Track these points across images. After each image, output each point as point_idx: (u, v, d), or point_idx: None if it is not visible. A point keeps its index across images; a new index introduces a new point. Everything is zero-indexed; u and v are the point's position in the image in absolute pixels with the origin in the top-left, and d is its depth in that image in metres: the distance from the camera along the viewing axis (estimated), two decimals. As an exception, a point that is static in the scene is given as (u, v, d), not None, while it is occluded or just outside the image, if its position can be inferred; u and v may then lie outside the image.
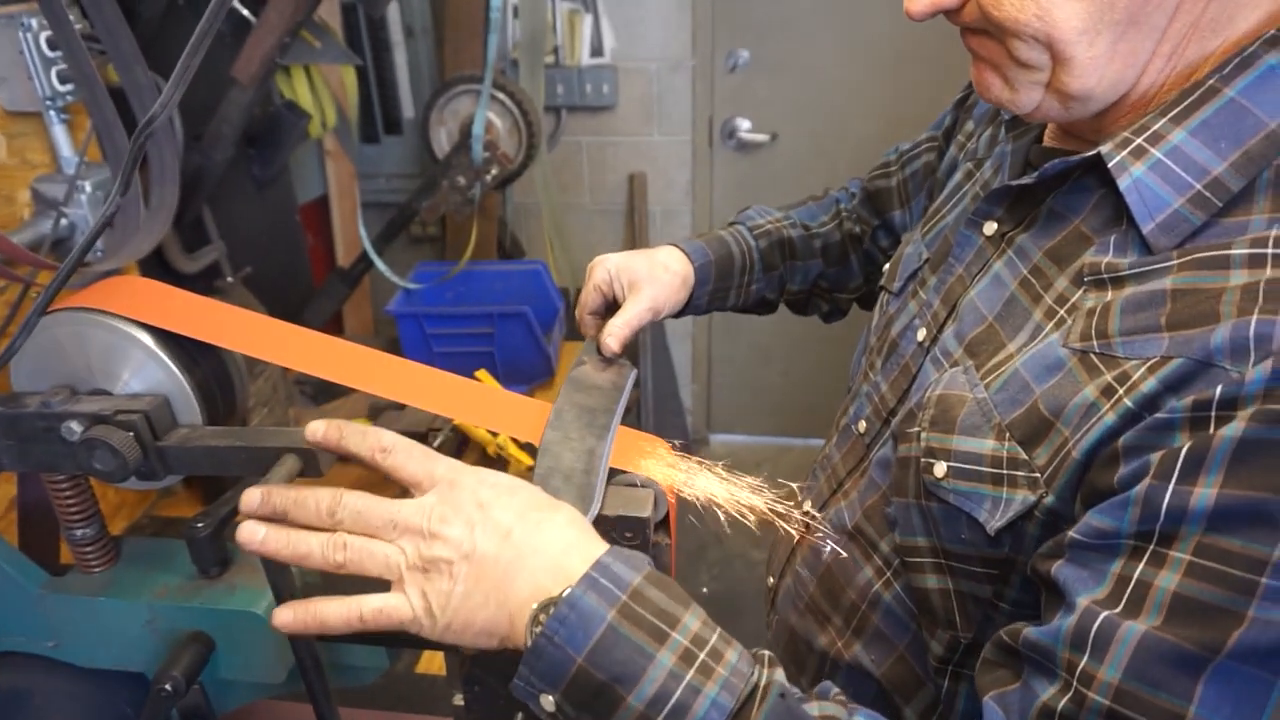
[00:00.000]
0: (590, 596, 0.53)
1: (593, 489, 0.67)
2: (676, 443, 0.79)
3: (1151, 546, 0.52)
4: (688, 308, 1.00)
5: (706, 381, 3.19)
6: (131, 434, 0.68)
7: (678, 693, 0.51)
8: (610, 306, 0.95)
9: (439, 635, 0.56)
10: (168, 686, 0.71)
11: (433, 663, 1.24)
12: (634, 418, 2.87)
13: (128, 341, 0.72)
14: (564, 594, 0.53)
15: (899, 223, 1.08)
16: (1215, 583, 0.49)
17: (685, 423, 3.16)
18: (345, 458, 0.62)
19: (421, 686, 1.20)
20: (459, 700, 0.77)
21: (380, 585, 0.57)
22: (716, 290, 1.03)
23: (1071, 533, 0.56)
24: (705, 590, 2.67)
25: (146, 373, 0.73)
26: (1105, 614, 0.52)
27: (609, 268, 0.94)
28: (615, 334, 0.88)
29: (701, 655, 0.53)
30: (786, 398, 3.16)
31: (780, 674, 0.56)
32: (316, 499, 0.57)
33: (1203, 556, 0.50)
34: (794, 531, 0.74)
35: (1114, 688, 0.51)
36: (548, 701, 0.53)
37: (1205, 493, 0.49)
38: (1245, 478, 0.49)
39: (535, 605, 0.54)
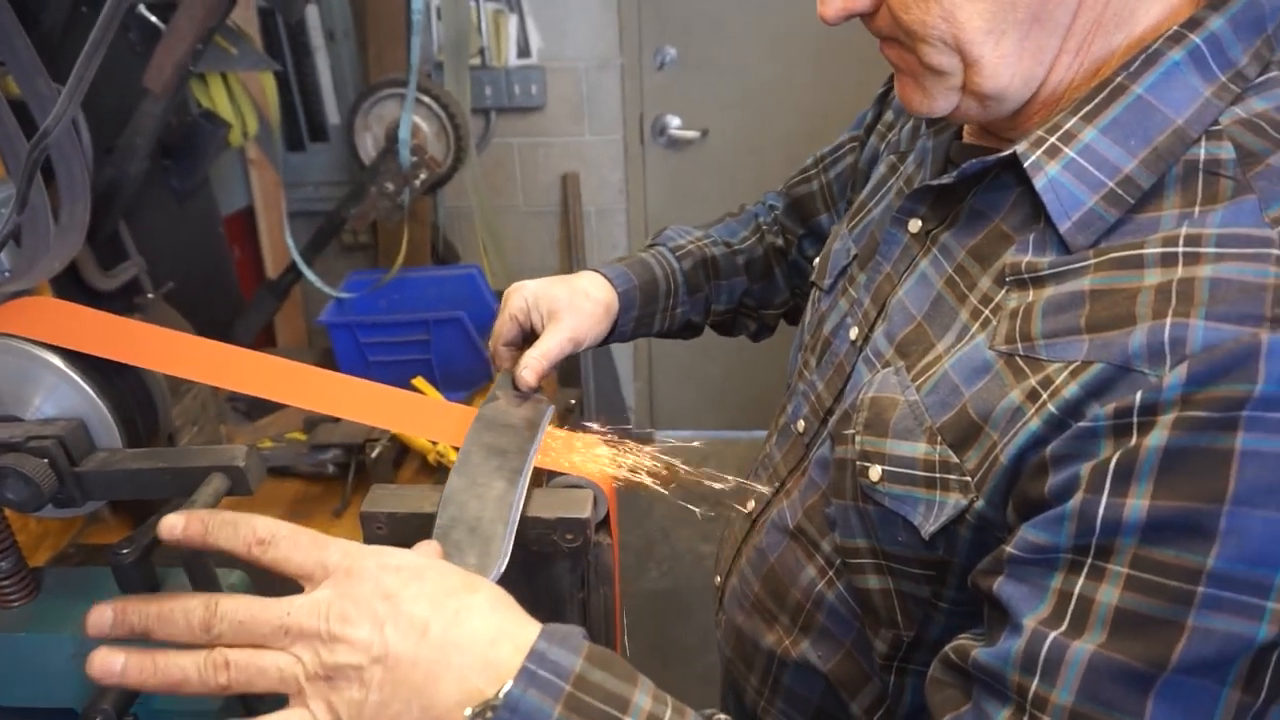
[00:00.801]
0: (531, 694, 0.48)
1: (500, 540, 0.61)
2: (622, 430, 0.78)
3: (1089, 560, 0.52)
4: (611, 336, 0.96)
5: (648, 378, 3.19)
6: (46, 460, 0.65)
7: None
8: (527, 337, 0.90)
9: None
10: (98, 720, 0.68)
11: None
12: (576, 418, 2.86)
13: (37, 364, 0.69)
14: (501, 695, 0.48)
15: (826, 227, 1.07)
16: (1154, 595, 0.50)
17: (629, 420, 3.16)
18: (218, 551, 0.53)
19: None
20: None
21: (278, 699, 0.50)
22: (642, 316, 0.99)
23: (1009, 548, 0.56)
24: (653, 587, 2.68)
25: (59, 396, 0.70)
26: (1053, 635, 0.52)
27: (526, 296, 0.89)
28: (531, 366, 0.83)
29: None
30: (729, 391, 3.18)
31: None
32: (186, 611, 0.50)
33: (1140, 569, 0.50)
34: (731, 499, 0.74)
35: (1068, 711, 0.51)
36: None
37: (1137, 504, 0.50)
38: (1174, 487, 0.49)
39: (469, 711, 0.48)
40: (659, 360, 3.17)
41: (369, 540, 0.69)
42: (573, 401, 1.88)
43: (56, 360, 0.69)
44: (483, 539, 0.61)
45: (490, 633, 0.50)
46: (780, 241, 1.11)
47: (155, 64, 1.49)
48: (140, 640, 0.52)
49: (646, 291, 0.98)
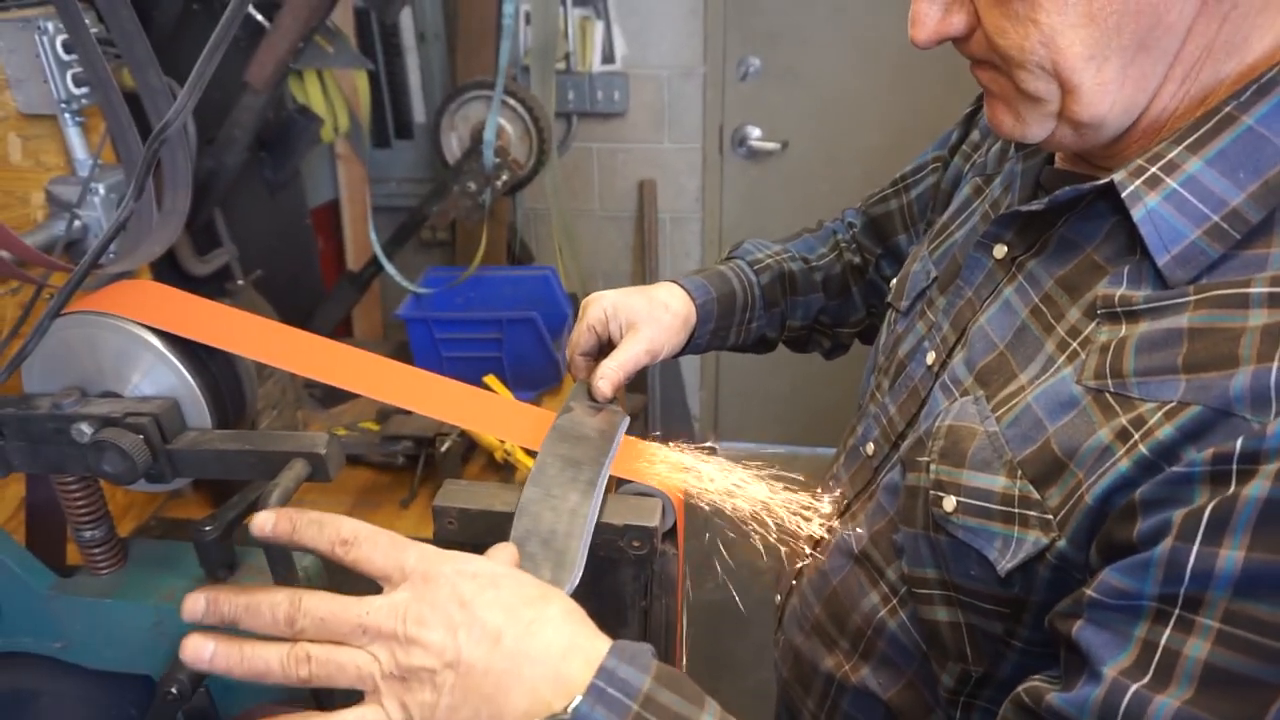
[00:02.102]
0: (599, 711, 0.48)
1: (574, 554, 0.62)
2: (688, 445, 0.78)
3: (1177, 611, 0.50)
4: (687, 348, 0.96)
5: (714, 388, 3.18)
6: (141, 437, 0.68)
7: None
8: (604, 348, 0.90)
9: None
10: (174, 689, 0.71)
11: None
12: (641, 425, 2.86)
13: (138, 345, 0.72)
14: (569, 710, 0.48)
15: (905, 248, 1.05)
16: (1247, 653, 0.47)
17: (693, 429, 3.16)
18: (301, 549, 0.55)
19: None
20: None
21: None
22: (718, 329, 0.99)
23: (1090, 591, 0.54)
24: (710, 599, 2.66)
25: (156, 375, 0.73)
26: (1135, 687, 0.50)
27: (605, 306, 0.89)
28: (608, 377, 0.82)
29: None
30: (795, 406, 3.15)
31: None
32: (272, 605, 0.52)
33: (1232, 624, 0.48)
34: (812, 527, 0.73)
35: None
36: None
37: (1232, 555, 0.48)
38: (1272, 541, 0.47)
39: None
40: (725, 371, 3.16)
41: (439, 533, 0.70)
42: (638, 410, 1.89)
43: (155, 341, 0.72)
44: (557, 552, 0.61)
45: (562, 645, 0.51)
46: (858, 260, 1.09)
47: (258, 60, 1.55)
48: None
49: (724, 304, 0.98)
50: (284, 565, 0.65)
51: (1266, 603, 0.47)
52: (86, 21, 0.86)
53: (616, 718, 0.48)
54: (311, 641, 0.51)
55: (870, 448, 0.82)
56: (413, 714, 0.50)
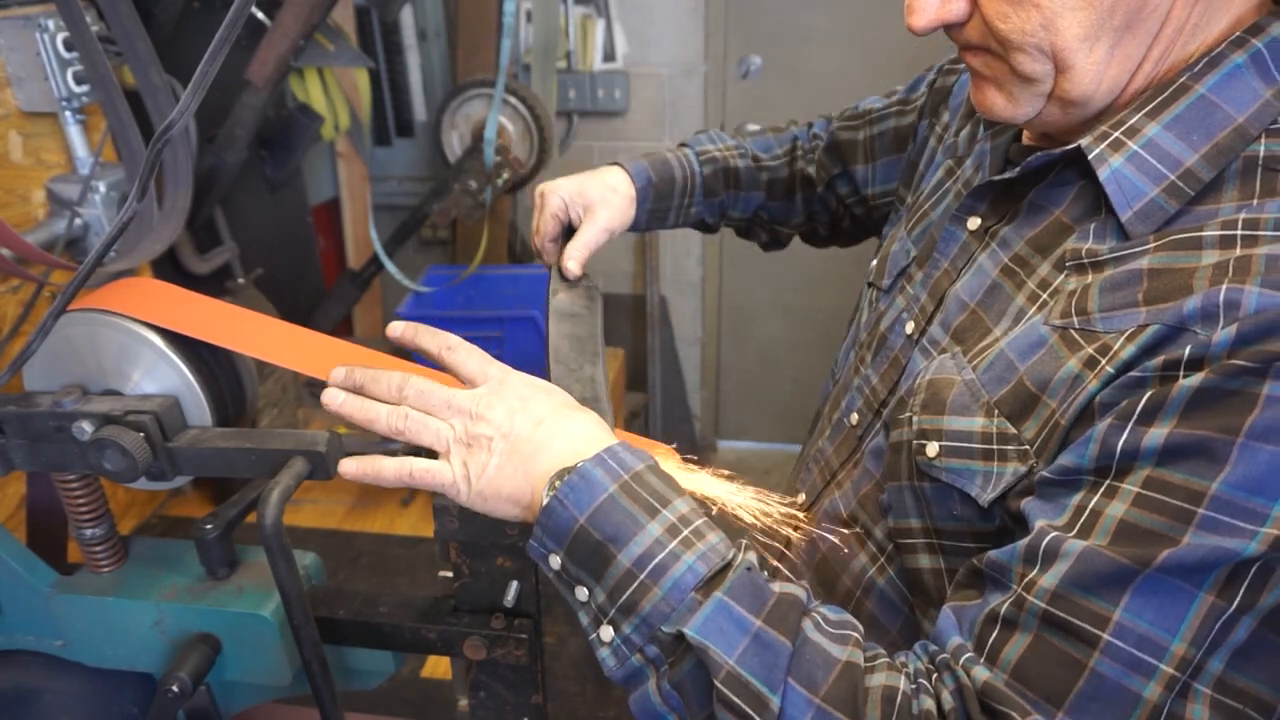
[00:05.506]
0: (598, 470, 0.61)
1: (605, 414, 0.75)
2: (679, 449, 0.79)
3: (1108, 481, 0.56)
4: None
5: (715, 388, 3.18)
6: (142, 435, 0.68)
7: (659, 556, 0.58)
8: (567, 231, 1.01)
9: (471, 500, 0.65)
10: (174, 687, 0.71)
11: (438, 667, 1.24)
12: (642, 423, 2.86)
13: (139, 342, 0.72)
14: (577, 465, 0.61)
15: (860, 177, 1.11)
16: (1157, 511, 0.53)
17: (693, 429, 3.16)
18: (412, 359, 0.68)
19: (427, 691, 1.21)
20: (464, 705, 0.77)
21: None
22: (655, 210, 1.08)
23: (1042, 471, 0.59)
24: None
25: (157, 374, 0.73)
26: (1056, 533, 0.56)
27: (563, 195, 1.01)
28: (575, 257, 0.97)
29: (685, 531, 0.60)
30: (795, 404, 3.15)
31: (753, 556, 0.61)
32: (389, 378, 0.68)
33: (1149, 488, 0.53)
34: (789, 531, 0.78)
35: (1051, 592, 0.55)
36: (555, 561, 0.61)
37: (1158, 432, 0.53)
38: (1196, 419, 0.52)
39: (553, 474, 0.62)
40: (726, 371, 3.16)
41: (440, 531, 0.71)
42: (639, 409, 1.89)
43: (156, 339, 0.72)
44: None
45: (586, 434, 0.65)
46: (811, 170, 1.14)
47: (259, 58, 1.55)
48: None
49: (661, 189, 1.07)
50: (286, 562, 0.65)
51: (1181, 470, 0.52)
52: (87, 19, 0.86)
53: (610, 479, 0.61)
54: (412, 409, 0.66)
55: (854, 418, 0.85)
56: (469, 470, 0.64)
